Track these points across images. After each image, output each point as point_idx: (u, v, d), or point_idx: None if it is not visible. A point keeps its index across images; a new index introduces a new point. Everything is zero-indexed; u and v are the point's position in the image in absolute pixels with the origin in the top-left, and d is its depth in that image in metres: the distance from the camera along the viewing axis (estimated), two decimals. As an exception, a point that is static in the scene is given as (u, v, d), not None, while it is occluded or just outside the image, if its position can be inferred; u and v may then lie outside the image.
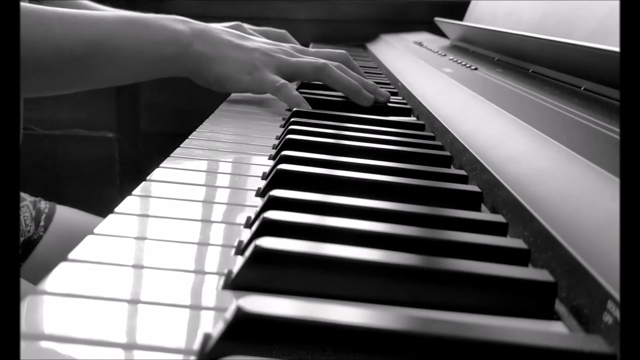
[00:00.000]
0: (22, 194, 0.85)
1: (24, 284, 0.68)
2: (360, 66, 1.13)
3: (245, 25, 0.83)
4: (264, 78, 0.71)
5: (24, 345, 0.23)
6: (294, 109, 0.66)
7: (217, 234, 0.36)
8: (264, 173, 0.48)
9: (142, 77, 0.73)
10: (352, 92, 0.73)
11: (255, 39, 0.75)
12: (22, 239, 0.81)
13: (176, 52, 0.68)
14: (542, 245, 0.33)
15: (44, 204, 0.86)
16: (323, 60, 0.74)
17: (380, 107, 0.74)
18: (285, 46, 0.76)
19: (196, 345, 0.24)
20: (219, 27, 0.73)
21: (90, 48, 0.64)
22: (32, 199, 0.85)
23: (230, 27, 0.80)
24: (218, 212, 0.40)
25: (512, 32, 0.77)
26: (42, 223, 0.84)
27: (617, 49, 0.48)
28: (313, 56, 0.76)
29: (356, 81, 0.73)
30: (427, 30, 1.43)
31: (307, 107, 0.68)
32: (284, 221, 0.33)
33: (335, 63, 0.75)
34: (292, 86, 0.72)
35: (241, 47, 0.71)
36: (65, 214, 0.88)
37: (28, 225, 0.82)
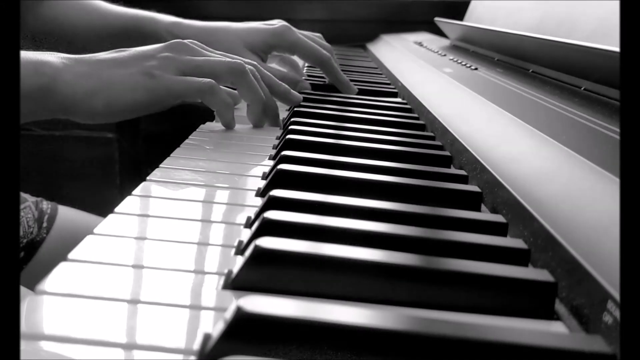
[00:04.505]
0: (24, 195, 0.85)
1: (26, 288, 0.68)
2: (360, 66, 1.14)
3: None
4: (169, 82, 0.56)
5: (24, 345, 0.23)
6: (294, 109, 0.66)
7: (217, 234, 0.36)
8: (264, 173, 0.48)
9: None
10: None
11: (150, 46, 0.59)
12: (25, 240, 0.80)
13: (39, 86, 0.54)
14: (542, 245, 0.33)
15: (45, 205, 0.86)
16: (239, 61, 0.60)
17: (380, 107, 0.73)
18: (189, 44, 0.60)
19: (196, 345, 0.24)
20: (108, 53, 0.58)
21: None
22: (34, 199, 0.85)
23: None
24: (218, 212, 0.40)
25: (512, 32, 0.77)
26: (44, 224, 0.83)
27: (617, 49, 0.48)
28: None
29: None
30: (427, 30, 1.43)
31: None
32: (284, 221, 0.33)
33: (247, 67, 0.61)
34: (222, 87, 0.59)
35: (128, 61, 0.57)
36: (68, 215, 0.87)
37: (31, 226, 0.81)
